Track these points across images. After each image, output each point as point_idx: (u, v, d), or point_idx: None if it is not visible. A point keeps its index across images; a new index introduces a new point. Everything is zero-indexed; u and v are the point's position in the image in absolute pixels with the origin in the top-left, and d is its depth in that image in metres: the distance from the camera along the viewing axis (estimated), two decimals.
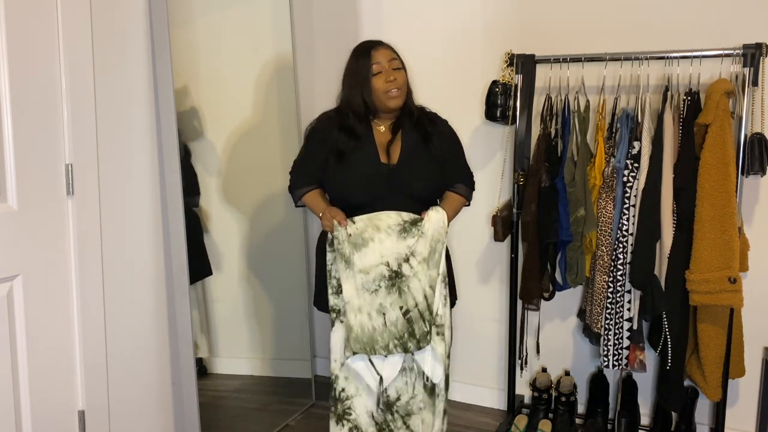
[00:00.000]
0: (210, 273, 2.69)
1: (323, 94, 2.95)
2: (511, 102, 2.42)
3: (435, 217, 1.90)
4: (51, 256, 1.77)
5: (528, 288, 2.42)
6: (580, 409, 2.63)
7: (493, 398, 2.84)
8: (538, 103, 2.48)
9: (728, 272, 2.04)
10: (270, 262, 2.93)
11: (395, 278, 1.86)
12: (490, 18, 2.63)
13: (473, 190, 2.14)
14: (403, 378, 1.94)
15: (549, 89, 2.46)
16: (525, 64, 2.41)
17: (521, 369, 2.66)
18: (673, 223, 2.16)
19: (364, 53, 1.97)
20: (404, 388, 1.95)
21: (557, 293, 2.49)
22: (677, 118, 2.17)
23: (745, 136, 2.09)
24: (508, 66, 2.41)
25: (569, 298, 2.60)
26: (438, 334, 1.90)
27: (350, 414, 1.94)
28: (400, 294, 1.87)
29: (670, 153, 2.15)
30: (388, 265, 1.87)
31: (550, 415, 2.60)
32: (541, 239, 2.37)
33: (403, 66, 2.02)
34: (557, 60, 2.35)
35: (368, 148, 1.99)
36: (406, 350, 1.88)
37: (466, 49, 2.69)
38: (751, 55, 2.07)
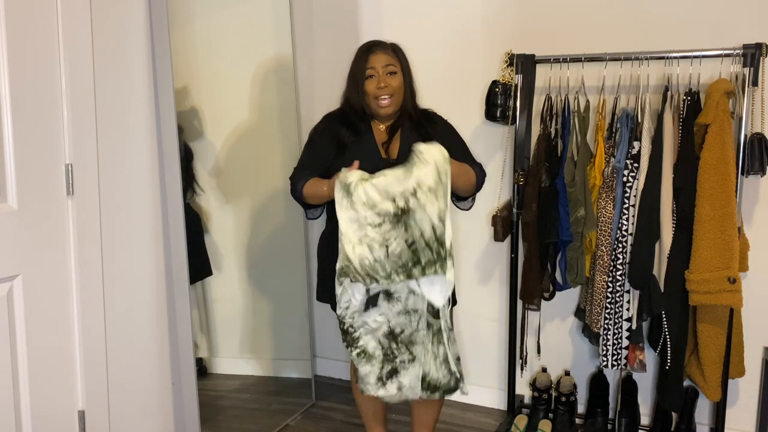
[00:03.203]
0: (210, 273, 2.70)
1: (323, 94, 2.95)
2: (511, 102, 2.42)
3: (425, 146, 1.85)
4: (51, 256, 1.77)
5: (528, 288, 2.42)
6: (580, 409, 2.63)
7: (493, 398, 2.84)
8: (538, 103, 2.48)
9: (728, 272, 2.04)
10: (270, 262, 2.93)
11: (402, 215, 1.84)
12: (490, 18, 2.63)
13: (484, 175, 2.10)
14: (407, 317, 1.92)
15: (549, 89, 2.46)
16: (525, 64, 2.41)
17: (521, 369, 2.66)
18: (673, 223, 2.16)
19: (363, 54, 2.01)
20: (407, 324, 1.92)
21: (557, 293, 2.49)
22: (677, 118, 2.17)
23: (745, 136, 2.09)
24: (508, 66, 2.42)
25: (569, 298, 2.60)
26: (449, 259, 1.84)
27: (359, 341, 1.96)
28: (407, 228, 1.84)
29: (670, 153, 2.15)
30: (394, 201, 1.84)
31: (550, 415, 2.60)
32: (542, 239, 2.37)
33: (404, 70, 2.02)
34: (557, 60, 2.35)
35: (369, 144, 2.03)
36: (410, 276, 1.85)
37: (466, 49, 2.69)
38: (751, 55, 2.07)
